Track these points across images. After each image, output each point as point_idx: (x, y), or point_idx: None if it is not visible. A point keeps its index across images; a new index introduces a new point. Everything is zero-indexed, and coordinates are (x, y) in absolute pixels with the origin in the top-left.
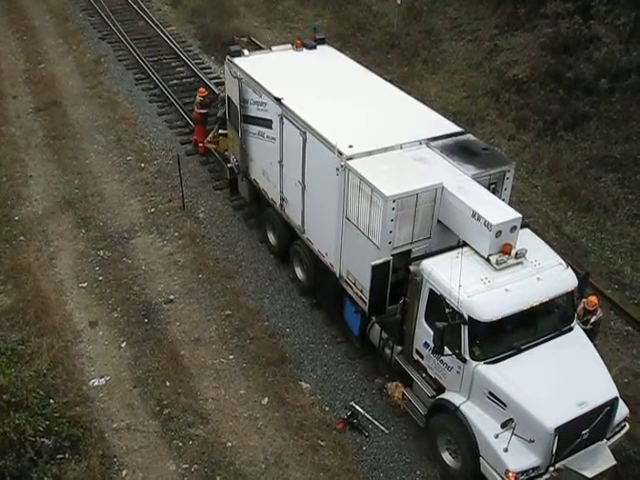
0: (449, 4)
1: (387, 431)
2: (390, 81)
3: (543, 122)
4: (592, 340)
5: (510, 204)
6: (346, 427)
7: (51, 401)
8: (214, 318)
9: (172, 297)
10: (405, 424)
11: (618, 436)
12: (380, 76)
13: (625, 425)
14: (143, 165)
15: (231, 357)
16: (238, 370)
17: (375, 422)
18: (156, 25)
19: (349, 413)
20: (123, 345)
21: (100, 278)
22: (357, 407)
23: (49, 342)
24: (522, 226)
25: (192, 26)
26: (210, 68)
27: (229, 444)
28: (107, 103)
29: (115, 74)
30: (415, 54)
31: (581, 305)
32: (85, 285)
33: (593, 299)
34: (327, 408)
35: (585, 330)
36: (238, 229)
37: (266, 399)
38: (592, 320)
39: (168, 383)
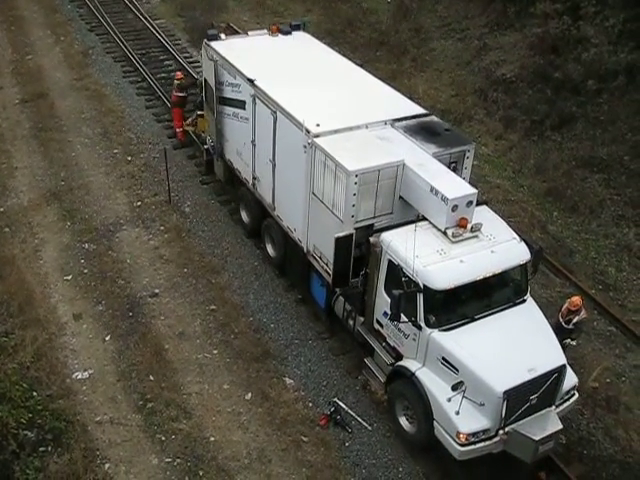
0: (439, 2)
1: (370, 428)
2: (361, 65)
3: (530, 122)
4: (574, 339)
5: (495, 202)
6: (329, 423)
7: (34, 394)
8: (199, 313)
9: (157, 291)
10: (388, 421)
11: (567, 404)
12: (352, 61)
13: (574, 394)
14: (130, 158)
15: (215, 352)
16: (222, 365)
17: (358, 418)
18: (145, 18)
19: (332, 409)
20: (107, 338)
21: (85, 271)
22: (340, 403)
23: (33, 334)
24: (481, 203)
25: (181, 19)
26: (198, 62)
27: (212, 439)
28: (94, 95)
29: (103, 66)
30: (404, 52)
31: (565, 305)
32: (70, 278)
33: (576, 300)
34: (310, 404)
35: (567, 329)
36: (224, 224)
37: (250, 394)
38: (575, 320)
39: (152, 377)
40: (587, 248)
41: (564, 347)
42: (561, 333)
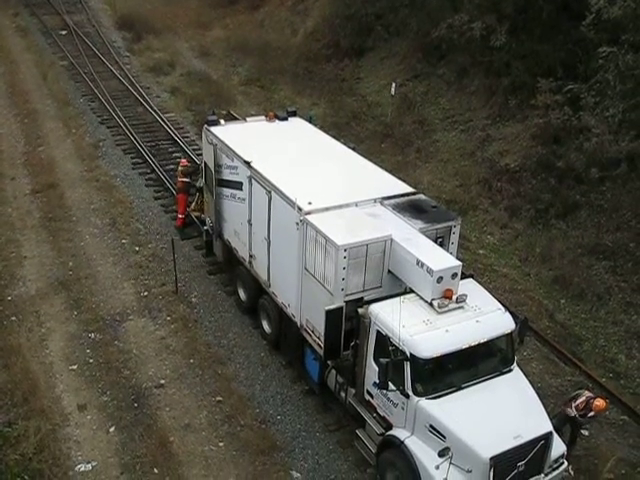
0: (442, 95)
1: None
2: (353, 149)
3: (535, 211)
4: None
5: (502, 291)
6: None
7: None
8: (205, 404)
9: (163, 382)
10: None
11: (556, 472)
12: (345, 144)
13: (563, 462)
14: (137, 248)
15: (221, 444)
16: (228, 458)
17: None
18: (155, 111)
19: None
20: (111, 430)
21: (91, 361)
22: None
23: (36, 425)
24: (467, 276)
25: (190, 113)
26: None
27: None
28: (104, 186)
29: (113, 158)
30: (409, 143)
31: (582, 398)
32: (75, 367)
33: (601, 405)
34: None
35: (577, 419)
36: (231, 314)
37: None
38: (589, 415)
39: (156, 470)
40: (596, 336)
41: (576, 437)
42: (569, 422)
